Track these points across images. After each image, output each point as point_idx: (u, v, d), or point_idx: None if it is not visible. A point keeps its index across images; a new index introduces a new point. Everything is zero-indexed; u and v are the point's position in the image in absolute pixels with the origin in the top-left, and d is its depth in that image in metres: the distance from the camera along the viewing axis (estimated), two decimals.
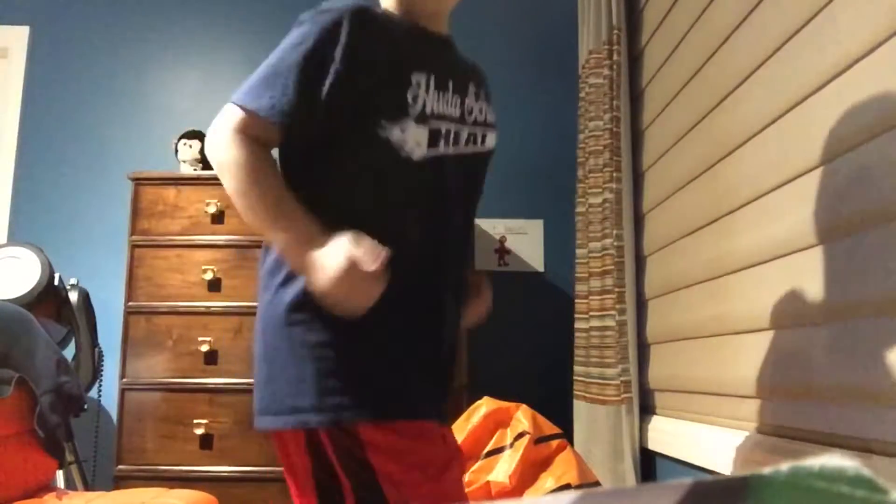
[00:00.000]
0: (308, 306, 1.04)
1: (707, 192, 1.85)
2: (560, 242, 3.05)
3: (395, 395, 1.07)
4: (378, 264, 0.97)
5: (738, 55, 1.67)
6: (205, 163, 2.76)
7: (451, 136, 1.13)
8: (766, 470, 0.26)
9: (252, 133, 1.05)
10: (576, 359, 2.57)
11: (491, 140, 1.22)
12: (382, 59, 1.08)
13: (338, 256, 0.97)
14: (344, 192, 1.10)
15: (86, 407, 2.17)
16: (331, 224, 1.02)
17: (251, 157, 1.04)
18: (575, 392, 2.55)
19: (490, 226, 3.08)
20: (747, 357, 1.59)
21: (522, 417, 1.99)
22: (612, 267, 2.31)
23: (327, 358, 1.03)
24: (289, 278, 1.07)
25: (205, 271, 2.58)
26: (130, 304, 2.59)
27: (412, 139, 1.07)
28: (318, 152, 1.10)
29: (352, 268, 0.96)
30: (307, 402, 1.02)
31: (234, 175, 1.04)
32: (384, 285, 1.00)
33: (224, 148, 1.05)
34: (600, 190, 2.41)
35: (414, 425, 1.06)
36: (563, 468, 1.92)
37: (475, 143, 1.18)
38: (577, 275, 2.57)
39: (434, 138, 1.10)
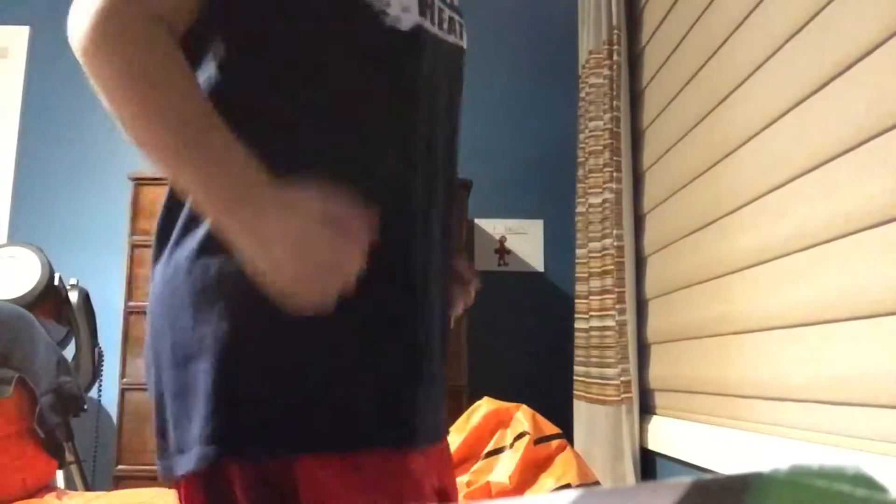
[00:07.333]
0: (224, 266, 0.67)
1: (707, 192, 1.85)
2: (560, 242, 3.05)
3: (370, 411, 0.69)
4: (364, 231, 0.64)
5: (738, 55, 1.67)
6: None
7: (436, 10, 0.78)
8: (766, 469, 0.26)
9: (147, 2, 0.65)
10: (576, 359, 2.56)
11: (464, 37, 0.88)
12: None
13: (301, 218, 0.62)
14: (294, 104, 0.70)
15: (86, 407, 2.17)
16: (275, 161, 0.66)
17: (147, 43, 0.63)
18: (575, 392, 2.55)
19: (490, 226, 3.07)
20: (747, 357, 1.59)
21: (522, 417, 1.99)
22: (612, 267, 2.31)
23: (258, 353, 0.66)
24: (194, 227, 0.70)
25: None
26: (130, 304, 2.58)
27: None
28: (248, 43, 0.70)
29: (325, 236, 0.62)
30: (208, 426, 0.64)
31: (118, 75, 0.63)
32: (364, 262, 0.65)
33: (100, 32, 0.63)
34: (600, 190, 2.41)
35: (387, 459, 0.69)
36: (563, 468, 1.92)
37: (456, 33, 0.83)
38: (577, 275, 2.57)
39: (422, 2, 0.75)
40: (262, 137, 0.67)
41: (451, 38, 0.82)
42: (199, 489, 0.67)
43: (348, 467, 0.66)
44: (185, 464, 0.66)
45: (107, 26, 0.63)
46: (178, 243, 0.71)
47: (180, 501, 0.70)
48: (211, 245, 0.67)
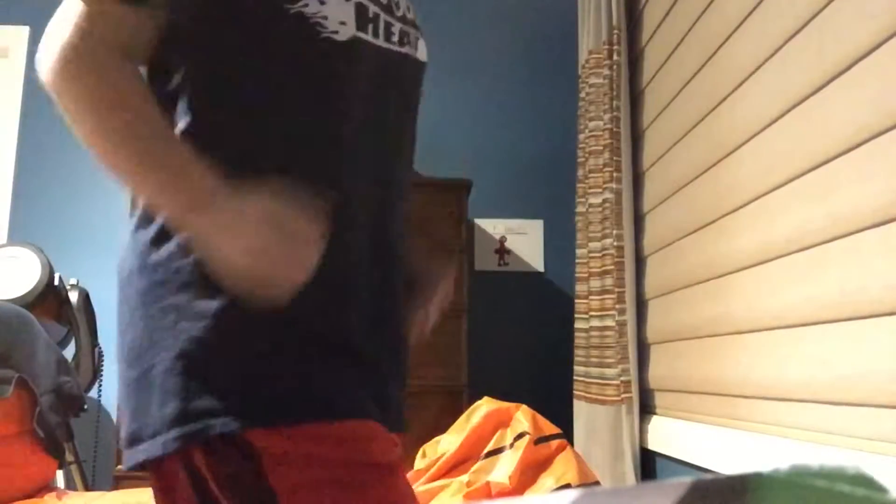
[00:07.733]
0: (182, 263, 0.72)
1: (707, 192, 1.85)
2: (560, 242, 3.05)
3: (308, 388, 0.71)
4: (318, 222, 0.70)
5: (738, 55, 1.67)
6: None
7: (381, 23, 0.81)
8: (766, 469, 0.26)
9: (103, 35, 0.70)
10: (576, 359, 2.56)
11: (423, 49, 0.90)
12: None
13: (258, 212, 0.68)
14: (241, 113, 0.75)
15: (86, 407, 2.17)
16: (230, 167, 0.71)
17: (103, 72, 0.70)
18: (575, 392, 2.55)
19: (490, 226, 3.07)
20: (747, 357, 1.59)
21: (522, 418, 1.99)
22: (612, 267, 2.31)
23: (202, 340, 0.70)
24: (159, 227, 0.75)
25: None
26: None
27: (335, 13, 0.75)
28: (198, 64, 0.75)
29: (280, 228, 0.67)
30: (168, 410, 0.68)
31: (80, 102, 0.70)
32: (321, 252, 0.70)
33: (62, 66, 0.69)
34: (600, 190, 2.41)
35: (340, 427, 0.71)
36: (563, 468, 1.92)
37: (409, 44, 0.86)
38: (577, 275, 2.57)
39: (361, 16, 0.77)
40: (202, 144, 0.72)
41: (404, 50, 0.84)
42: (171, 473, 0.71)
43: (306, 436, 0.69)
44: (148, 450, 0.70)
45: (67, 59, 0.70)
46: (136, 232, 0.77)
47: (155, 488, 0.75)
48: (163, 236, 0.73)
